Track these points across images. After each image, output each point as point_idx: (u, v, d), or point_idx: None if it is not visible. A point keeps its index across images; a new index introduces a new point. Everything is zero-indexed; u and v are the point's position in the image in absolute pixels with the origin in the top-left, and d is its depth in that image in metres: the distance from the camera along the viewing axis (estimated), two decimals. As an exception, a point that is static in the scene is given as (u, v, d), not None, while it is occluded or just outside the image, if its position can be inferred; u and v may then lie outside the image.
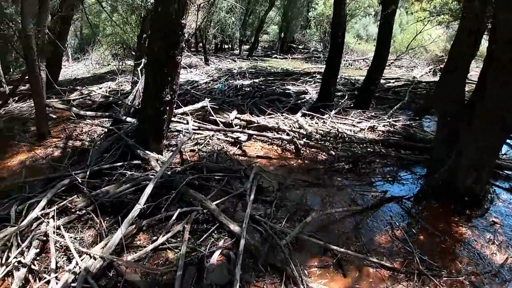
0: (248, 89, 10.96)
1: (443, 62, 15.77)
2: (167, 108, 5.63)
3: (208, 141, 6.99)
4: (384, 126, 8.37)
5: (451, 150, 5.16)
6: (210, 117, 7.74)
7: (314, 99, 9.78)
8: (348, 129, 7.73)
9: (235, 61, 17.89)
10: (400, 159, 6.83)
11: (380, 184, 6.03)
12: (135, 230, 4.36)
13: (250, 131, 7.10)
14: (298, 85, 11.63)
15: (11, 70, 12.41)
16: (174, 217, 4.45)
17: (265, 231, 4.43)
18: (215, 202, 4.84)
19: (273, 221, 4.72)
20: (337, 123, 8.28)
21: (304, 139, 7.08)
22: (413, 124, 8.64)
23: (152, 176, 5.04)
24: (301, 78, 12.75)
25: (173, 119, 6.88)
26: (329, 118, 8.50)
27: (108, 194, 4.87)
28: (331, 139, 7.36)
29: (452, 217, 4.89)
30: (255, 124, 7.56)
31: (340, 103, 10.06)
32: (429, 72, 15.83)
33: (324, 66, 10.04)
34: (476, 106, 4.86)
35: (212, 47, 21.94)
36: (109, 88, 10.71)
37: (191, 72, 13.37)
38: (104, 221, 4.53)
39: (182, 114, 7.42)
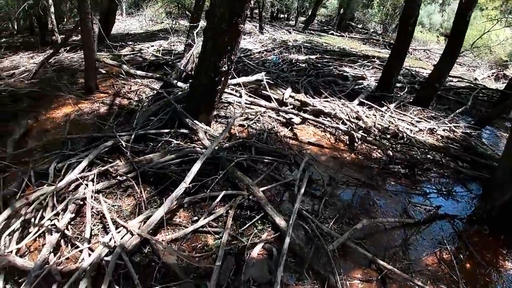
0: (303, 65, 10.38)
1: (507, 67, 14.41)
2: (222, 78, 5.26)
3: (259, 118, 6.61)
4: (444, 130, 7.66)
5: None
6: (263, 92, 7.29)
7: (373, 87, 9.11)
8: (407, 128, 7.07)
9: (290, 32, 17.13)
10: (458, 173, 6.22)
11: (434, 197, 5.53)
12: (175, 206, 4.14)
13: (305, 115, 6.64)
14: (355, 68, 10.89)
15: (65, 20, 12.34)
16: (218, 199, 4.18)
17: (311, 231, 4.11)
18: (262, 189, 4.53)
19: (320, 219, 4.39)
20: (396, 118, 7.63)
21: (361, 132, 6.52)
22: (473, 134, 7.91)
23: (199, 149, 4.76)
24: (359, 61, 11.96)
25: (225, 90, 6.52)
26: (388, 111, 7.85)
27: (152, 162, 4.63)
28: (390, 137, 6.77)
29: (501, 248, 4.57)
30: (310, 107, 7.05)
31: (399, 95, 9.32)
32: (492, 76, 14.52)
33: (384, 51, 9.32)
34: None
35: (268, 15, 21.16)
36: (161, 47, 10.41)
37: (244, 39, 12.82)
38: (145, 191, 4.34)
39: (235, 85, 7.00)
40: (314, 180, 5.16)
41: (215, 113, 6.01)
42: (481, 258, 4.27)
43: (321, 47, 13.66)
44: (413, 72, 11.79)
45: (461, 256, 4.30)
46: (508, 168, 5.24)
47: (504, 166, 5.37)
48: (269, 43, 12.36)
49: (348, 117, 6.91)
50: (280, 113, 6.74)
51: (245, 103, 6.48)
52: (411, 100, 9.11)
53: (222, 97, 6.06)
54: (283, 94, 7.41)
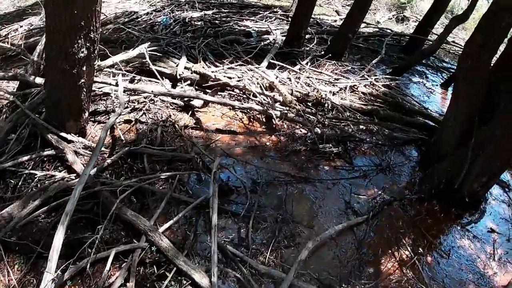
0: (199, 23, 8.72)
1: (405, 9, 14.28)
2: (84, 67, 3.58)
3: (149, 106, 5.05)
4: (365, 86, 6.93)
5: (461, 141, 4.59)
6: (152, 68, 5.61)
7: (280, 42, 7.88)
8: (328, 91, 6.09)
9: None
10: (392, 139, 5.59)
11: (374, 175, 4.87)
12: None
13: (207, 97, 5.24)
14: (257, 22, 9.48)
15: None
16: (109, 264, 2.90)
17: (244, 278, 2.97)
18: (166, 225, 3.37)
19: (252, 251, 3.41)
20: (314, 78, 6.60)
21: (279, 106, 5.37)
22: (392, 85, 7.40)
23: (72, 178, 3.25)
24: (260, 12, 10.49)
25: (98, 76, 4.82)
26: (303, 70, 6.80)
27: (13, 220, 3.11)
28: (312, 105, 5.74)
29: (454, 225, 4.44)
30: (211, 80, 5.62)
31: (309, 49, 8.28)
32: (393, 18, 14.12)
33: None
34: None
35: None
36: (31, 26, 7.66)
37: (128, 1, 10.50)
38: (14, 270, 2.96)
39: (112, 66, 5.18)
40: (233, 189, 3.98)
41: (91, 109, 4.36)
42: (439, 245, 4.08)
43: (217, 0, 11.77)
44: (318, 21, 10.72)
45: (420, 250, 3.92)
46: (452, 135, 4.74)
47: (448, 133, 4.85)
48: (158, 1, 10.22)
49: (261, 88, 5.64)
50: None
51: (126, 92, 4.85)
52: (322, 53, 8.13)
53: (93, 90, 4.32)
54: (177, 66, 5.83)
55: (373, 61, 8.00)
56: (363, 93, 6.73)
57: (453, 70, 8.91)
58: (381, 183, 4.71)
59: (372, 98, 6.69)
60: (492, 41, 4.23)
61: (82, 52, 3.42)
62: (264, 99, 5.44)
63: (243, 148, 4.78)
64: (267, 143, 4.96)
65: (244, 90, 5.63)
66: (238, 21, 9.22)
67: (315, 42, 8.72)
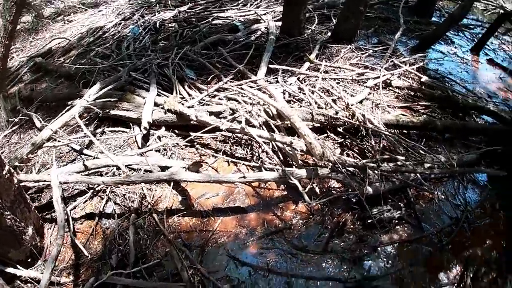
0: (173, 26, 6.83)
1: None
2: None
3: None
4: (399, 77, 5.24)
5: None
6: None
7: (275, 31, 6.04)
8: (355, 101, 4.40)
9: None
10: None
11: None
12: None
13: (187, 176, 3.29)
14: (241, 9, 7.48)
15: None
16: None
17: None
18: None
19: None
20: (332, 80, 4.90)
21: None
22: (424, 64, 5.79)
23: None
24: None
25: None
26: (319, 74, 4.99)
27: None
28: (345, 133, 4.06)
29: None
30: (192, 118, 3.87)
31: (313, 32, 6.42)
32: None
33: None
34: None
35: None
36: None
37: (91, 15, 8.43)
38: None
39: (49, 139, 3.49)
40: None
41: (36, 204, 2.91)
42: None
43: None
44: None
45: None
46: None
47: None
48: (126, 8, 8.15)
49: (268, 126, 3.86)
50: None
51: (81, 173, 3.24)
52: (329, 35, 6.30)
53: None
54: (141, 115, 4.06)
55: (396, 36, 6.23)
56: (398, 88, 5.04)
57: (479, 28, 7.45)
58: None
59: (411, 94, 5.00)
60: None
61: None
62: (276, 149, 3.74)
63: (259, 240, 3.16)
64: (294, 220, 3.32)
65: (243, 134, 3.87)
66: (219, 12, 7.27)
67: (316, 22, 6.83)
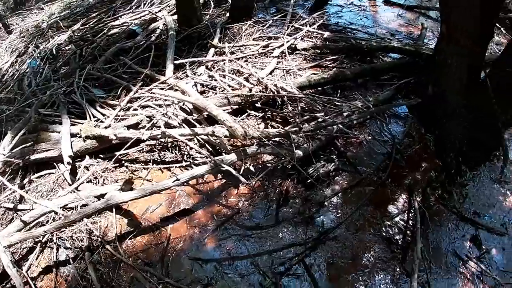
0: (69, 48, 6.44)
1: None
2: None
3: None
4: (303, 39, 5.38)
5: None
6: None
7: (174, 26, 5.92)
8: (265, 74, 4.47)
9: (42, 8, 10.89)
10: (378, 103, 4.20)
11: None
12: None
13: (122, 198, 3.14)
14: (136, 11, 7.20)
15: None
16: None
17: None
18: None
19: None
20: (239, 59, 4.92)
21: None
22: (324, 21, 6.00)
23: None
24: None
25: None
26: (226, 57, 4.98)
27: None
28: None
29: None
30: (111, 138, 3.71)
31: (211, 18, 6.40)
32: None
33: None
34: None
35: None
36: None
37: None
38: None
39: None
40: None
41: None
42: None
43: (83, 5, 8.88)
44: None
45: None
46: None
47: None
48: (20, 43, 7.50)
49: (187, 123, 3.83)
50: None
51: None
52: (227, 16, 6.32)
53: None
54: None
55: (292, 0, 6.37)
56: (304, 49, 5.18)
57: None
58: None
59: (318, 52, 5.17)
60: None
61: None
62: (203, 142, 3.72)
63: (214, 234, 3.15)
64: (240, 204, 3.34)
65: (166, 138, 3.78)
66: (113, 21, 6.98)
67: (212, 5, 6.80)
